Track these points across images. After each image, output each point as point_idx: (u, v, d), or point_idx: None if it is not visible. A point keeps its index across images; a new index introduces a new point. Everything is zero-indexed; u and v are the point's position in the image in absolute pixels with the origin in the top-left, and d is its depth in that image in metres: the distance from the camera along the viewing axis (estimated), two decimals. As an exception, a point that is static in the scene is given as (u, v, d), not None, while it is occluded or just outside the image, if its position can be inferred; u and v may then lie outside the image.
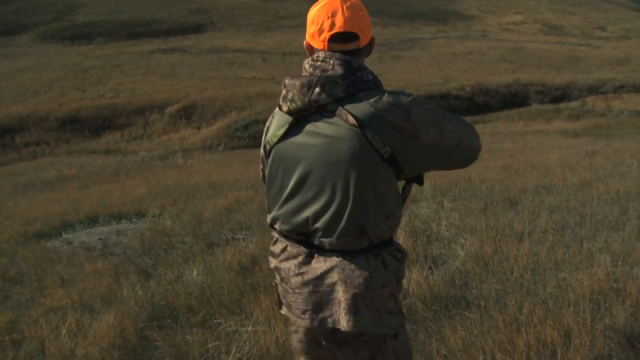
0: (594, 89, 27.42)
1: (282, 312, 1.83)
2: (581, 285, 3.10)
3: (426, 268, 3.66)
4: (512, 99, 26.00)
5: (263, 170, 1.84)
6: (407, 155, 1.59)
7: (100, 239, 6.33)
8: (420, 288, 3.28)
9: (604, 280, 3.13)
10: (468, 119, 23.06)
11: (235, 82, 29.48)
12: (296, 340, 1.86)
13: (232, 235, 5.38)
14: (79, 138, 24.18)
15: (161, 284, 3.99)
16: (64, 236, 6.86)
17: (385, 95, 1.59)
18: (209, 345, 2.87)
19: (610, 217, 4.60)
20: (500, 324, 2.76)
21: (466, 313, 2.97)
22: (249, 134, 21.29)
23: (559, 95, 26.84)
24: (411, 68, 32.64)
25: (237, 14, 53.65)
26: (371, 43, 1.72)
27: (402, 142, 1.57)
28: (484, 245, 4.01)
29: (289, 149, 1.66)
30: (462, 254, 3.93)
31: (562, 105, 25.09)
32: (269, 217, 1.78)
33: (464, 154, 1.68)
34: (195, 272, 4.14)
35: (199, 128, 23.94)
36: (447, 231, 4.54)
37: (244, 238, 5.20)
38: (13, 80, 32.54)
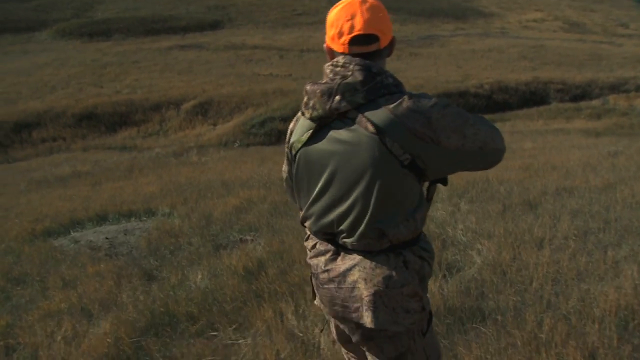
0: (616, 88, 26.89)
1: (315, 302, 1.89)
2: (606, 300, 2.87)
3: (440, 276, 3.46)
4: (532, 97, 25.56)
5: (289, 172, 1.86)
6: (429, 160, 1.58)
7: (107, 238, 6.21)
8: (433, 298, 3.08)
9: (631, 295, 2.90)
10: (487, 117, 22.80)
11: (252, 79, 29.35)
12: (333, 330, 1.97)
13: (240, 237, 5.21)
14: (95, 134, 24.18)
15: (163, 289, 3.84)
16: (72, 234, 6.76)
17: (406, 99, 1.56)
18: (206, 358, 2.70)
19: (636, 223, 4.35)
20: (519, 342, 2.56)
21: (481, 328, 2.77)
22: (264, 131, 21.12)
23: (579, 94, 26.35)
24: (429, 65, 32.27)
25: (255, 11, 53.52)
26: (392, 43, 1.70)
27: (423, 149, 1.56)
28: (502, 252, 3.79)
29: (313, 155, 1.69)
30: (478, 260, 3.72)
31: (582, 104, 24.59)
32: (300, 215, 1.83)
33: (488, 156, 1.66)
34: (200, 276, 3.99)
35: (214, 125, 23.84)
36: (463, 236, 4.32)
37: (252, 239, 5.04)
38: (31, 77, 32.70)
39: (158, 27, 47.64)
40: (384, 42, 1.65)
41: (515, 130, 17.84)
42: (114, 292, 3.91)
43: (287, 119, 22.12)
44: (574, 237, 4.11)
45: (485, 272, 3.48)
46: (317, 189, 1.71)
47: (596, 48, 38.85)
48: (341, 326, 1.82)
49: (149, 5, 54.93)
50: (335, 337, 2.00)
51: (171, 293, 3.66)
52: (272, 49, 38.67)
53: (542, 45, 38.88)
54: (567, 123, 21.01)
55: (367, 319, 1.65)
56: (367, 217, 1.62)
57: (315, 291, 1.85)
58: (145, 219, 7.17)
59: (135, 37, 45.22)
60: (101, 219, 7.43)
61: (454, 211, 5.16)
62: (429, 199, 1.76)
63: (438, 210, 5.19)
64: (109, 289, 3.99)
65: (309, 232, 1.84)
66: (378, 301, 1.64)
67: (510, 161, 8.83)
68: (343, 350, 2.05)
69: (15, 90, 29.49)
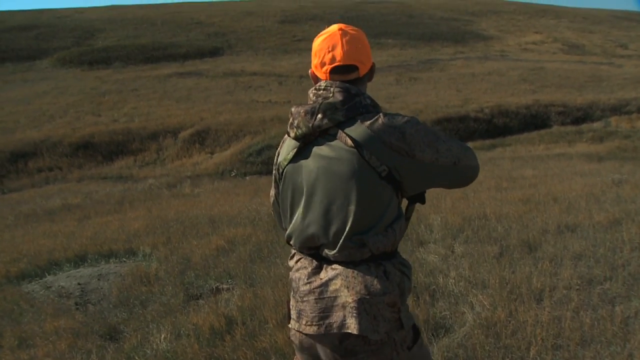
0: (617, 109, 26.57)
1: (290, 325, 1.86)
2: (616, 378, 2.48)
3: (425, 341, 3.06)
4: (533, 121, 25.21)
5: (276, 195, 1.94)
6: (405, 173, 1.68)
7: (79, 284, 5.83)
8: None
9: (645, 371, 2.51)
10: (487, 142, 22.53)
11: (250, 106, 29.12)
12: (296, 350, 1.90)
13: (216, 285, 4.82)
14: (92, 163, 23.86)
15: (119, 353, 3.44)
16: (47, 277, 6.40)
17: (382, 116, 1.68)
18: None
19: (645, 269, 3.97)
20: None
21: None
22: (262, 160, 20.81)
23: (580, 116, 26.01)
24: (429, 90, 32.03)
25: (255, 37, 53.64)
26: (372, 70, 1.81)
27: (399, 161, 1.66)
28: (497, 308, 3.40)
29: (297, 171, 1.77)
30: (470, 318, 3.33)
31: (584, 126, 24.24)
32: (285, 234, 1.88)
33: (462, 172, 1.77)
34: (162, 336, 3.60)
35: (212, 153, 23.54)
36: (455, 285, 3.93)
37: (227, 288, 4.65)
38: (30, 105, 32.58)
39: (158, 54, 47.67)
40: (363, 71, 1.77)
41: (517, 156, 17.47)
42: (66, 357, 3.52)
43: (285, 147, 21.84)
44: (577, 287, 3.72)
45: (477, 334, 3.08)
46: (300, 204, 1.78)
47: (596, 69, 38.64)
48: (315, 348, 1.78)
49: (149, 33, 55.17)
50: None
51: (125, 361, 3.27)
52: (271, 75, 38.56)
53: (542, 67, 38.70)
54: (569, 147, 20.64)
55: (352, 325, 1.66)
56: (348, 227, 1.68)
57: (292, 311, 1.83)
58: (125, 260, 6.81)
59: (135, 65, 45.22)
60: (80, 259, 7.07)
61: (447, 255, 4.78)
62: (407, 218, 1.83)
63: (430, 254, 4.81)
64: (62, 353, 3.60)
65: (293, 250, 1.88)
66: (361, 307, 1.66)
67: (510, 192, 8.45)
68: None
69: (13, 119, 29.32)
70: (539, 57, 45.87)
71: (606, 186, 8.47)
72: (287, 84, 36.03)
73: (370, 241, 1.68)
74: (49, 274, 6.55)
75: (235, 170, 20.38)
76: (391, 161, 1.65)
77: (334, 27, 1.79)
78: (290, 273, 1.86)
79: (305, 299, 1.75)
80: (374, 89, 34.79)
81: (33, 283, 6.28)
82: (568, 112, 26.28)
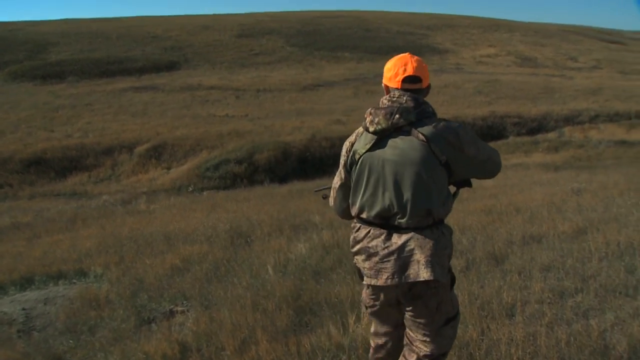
0: (570, 119, 27.23)
1: (364, 282, 2.35)
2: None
3: (395, 364, 2.86)
4: (489, 132, 25.54)
5: (345, 178, 2.42)
6: (456, 162, 2.23)
7: (24, 309, 5.45)
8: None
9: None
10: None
11: (207, 120, 28.70)
12: (368, 301, 2.43)
13: (170, 307, 4.54)
14: (44, 180, 23.06)
15: (63, 387, 3.14)
16: (-11, 303, 5.98)
17: (442, 121, 2.23)
18: None
19: (616, 280, 3.86)
20: None
21: None
22: (219, 174, 20.43)
23: (535, 127, 26.55)
24: (387, 102, 32.12)
25: (212, 51, 53.13)
26: (429, 87, 2.37)
27: (453, 153, 2.21)
28: (468, 326, 3.22)
29: (376, 156, 2.26)
30: (441, 338, 3.13)
31: (539, 136, 24.73)
32: (355, 209, 2.37)
33: (492, 166, 2.37)
34: (111, 367, 3.30)
35: (169, 168, 23.03)
36: (423, 302, 3.75)
37: (182, 311, 4.37)
38: (-21, 121, 31.40)
39: (113, 68, 46.67)
40: (424, 84, 2.33)
41: (475, 166, 17.52)
42: (3, 394, 3.20)
43: (243, 161, 21.52)
44: (549, 301, 3.59)
45: (449, 355, 2.89)
46: (379, 183, 2.25)
47: (549, 81, 39.56)
48: (390, 295, 2.29)
49: (104, 47, 54.04)
50: (369, 304, 2.42)
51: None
52: (228, 89, 38.16)
53: (497, 80, 39.40)
54: (526, 157, 20.94)
55: (427, 274, 2.16)
56: (417, 200, 2.20)
57: (367, 272, 2.28)
58: (75, 281, 6.45)
59: (89, 79, 44.11)
60: (27, 282, 6.67)
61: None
62: (454, 197, 2.38)
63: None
64: (-2, 389, 3.27)
65: (359, 225, 2.35)
66: (433, 260, 2.18)
67: (471, 203, 8.37)
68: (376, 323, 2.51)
69: (-39, 135, 28.17)
70: (494, 69, 46.74)
71: (566, 195, 8.48)
72: (244, 98, 35.72)
73: (435, 211, 2.22)
74: (-8, 299, 6.14)
75: (192, 186, 19.97)
76: (448, 153, 2.20)
77: (405, 53, 2.38)
78: (359, 245, 2.32)
79: (386, 259, 2.23)
80: (332, 102, 34.78)
81: (-26, 309, 5.86)
82: (523, 122, 26.76)
